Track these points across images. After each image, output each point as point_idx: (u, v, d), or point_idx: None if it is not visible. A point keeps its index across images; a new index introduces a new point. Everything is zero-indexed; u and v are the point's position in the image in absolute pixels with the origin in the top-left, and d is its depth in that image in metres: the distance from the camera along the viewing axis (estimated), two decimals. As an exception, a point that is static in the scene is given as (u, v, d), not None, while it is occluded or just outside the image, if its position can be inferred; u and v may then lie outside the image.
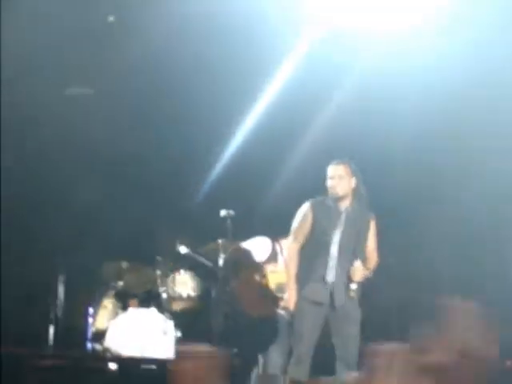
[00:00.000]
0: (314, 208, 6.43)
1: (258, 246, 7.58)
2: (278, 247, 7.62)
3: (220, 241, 7.46)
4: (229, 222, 7.33)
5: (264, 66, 7.47)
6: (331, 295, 6.32)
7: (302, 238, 6.45)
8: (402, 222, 8.02)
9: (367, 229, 6.47)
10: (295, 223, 6.50)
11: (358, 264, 6.27)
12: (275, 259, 7.58)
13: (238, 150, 8.05)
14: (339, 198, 6.37)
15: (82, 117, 7.86)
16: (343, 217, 6.39)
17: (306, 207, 6.47)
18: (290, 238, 6.54)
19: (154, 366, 7.21)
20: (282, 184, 7.16)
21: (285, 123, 7.86)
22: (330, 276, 6.34)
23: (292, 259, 6.47)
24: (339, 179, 6.37)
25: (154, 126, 8.09)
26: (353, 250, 6.37)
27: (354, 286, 6.31)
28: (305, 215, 6.45)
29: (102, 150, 8.14)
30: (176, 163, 8.14)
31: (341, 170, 6.42)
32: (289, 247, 6.59)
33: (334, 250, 6.36)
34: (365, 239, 6.46)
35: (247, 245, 7.50)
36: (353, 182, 6.38)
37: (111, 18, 7.05)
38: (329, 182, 6.38)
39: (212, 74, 7.41)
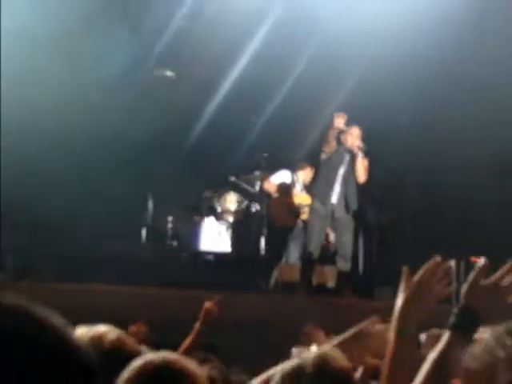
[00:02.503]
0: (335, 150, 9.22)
1: (281, 177, 10.12)
2: (295, 177, 10.14)
3: (257, 172, 10.14)
4: (263, 161, 10.05)
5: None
6: (333, 211, 9.19)
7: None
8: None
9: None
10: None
11: None
12: (294, 186, 10.14)
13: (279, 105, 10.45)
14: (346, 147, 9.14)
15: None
16: (347, 158, 9.21)
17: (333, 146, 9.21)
18: None
19: (211, 257, 9.76)
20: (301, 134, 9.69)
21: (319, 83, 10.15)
22: (334, 198, 9.21)
23: None
24: (350, 136, 9.13)
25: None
26: (350, 179, 9.20)
27: None
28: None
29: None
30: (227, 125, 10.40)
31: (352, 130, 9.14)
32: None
33: (338, 180, 9.20)
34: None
35: (275, 176, 10.09)
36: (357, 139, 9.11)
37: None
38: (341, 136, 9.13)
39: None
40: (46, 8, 9.22)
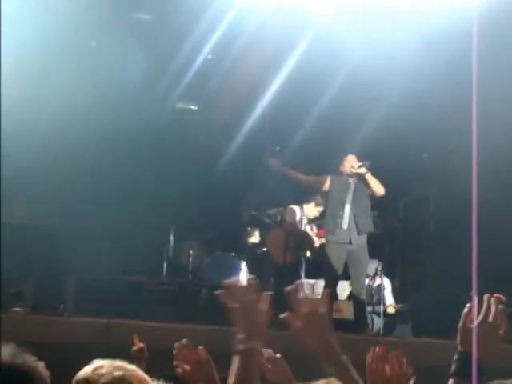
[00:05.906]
0: (332, 182, 9.29)
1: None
2: (302, 212, 10.34)
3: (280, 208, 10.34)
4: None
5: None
6: (349, 238, 9.07)
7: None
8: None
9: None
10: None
11: None
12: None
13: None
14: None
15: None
16: (352, 186, 9.19)
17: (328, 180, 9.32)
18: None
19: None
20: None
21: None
22: (345, 225, 9.11)
23: None
24: (347, 163, 9.15)
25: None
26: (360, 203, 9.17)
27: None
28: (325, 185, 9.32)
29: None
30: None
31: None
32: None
33: (347, 207, 9.14)
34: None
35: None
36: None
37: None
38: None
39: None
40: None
